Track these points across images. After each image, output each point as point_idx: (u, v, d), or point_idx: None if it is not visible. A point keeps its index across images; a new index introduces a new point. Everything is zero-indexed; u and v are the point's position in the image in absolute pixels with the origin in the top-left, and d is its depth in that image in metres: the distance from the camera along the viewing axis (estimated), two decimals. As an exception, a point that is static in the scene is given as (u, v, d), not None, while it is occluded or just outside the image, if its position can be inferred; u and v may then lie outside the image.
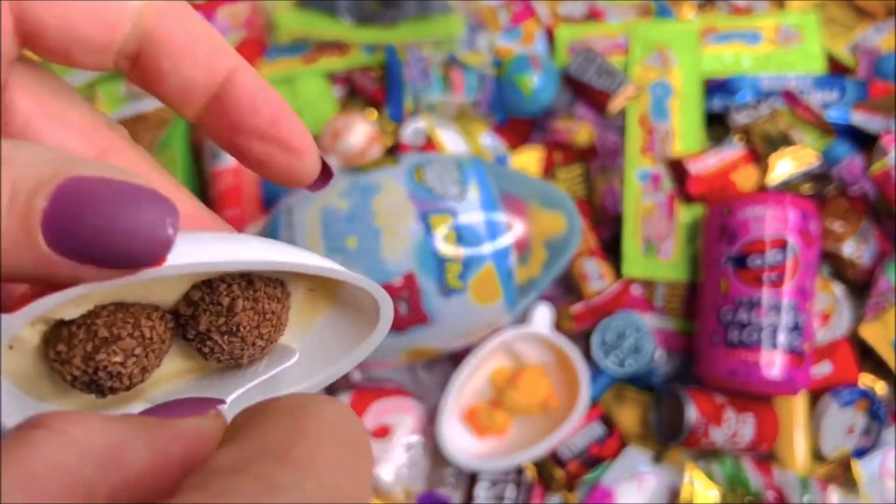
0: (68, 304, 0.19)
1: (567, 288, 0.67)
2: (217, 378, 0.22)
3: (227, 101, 0.19)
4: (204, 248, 0.18)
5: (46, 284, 0.15)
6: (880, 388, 0.63)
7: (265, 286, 0.20)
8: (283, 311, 0.21)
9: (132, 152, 0.20)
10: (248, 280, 0.20)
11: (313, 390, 0.21)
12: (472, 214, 0.55)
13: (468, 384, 0.63)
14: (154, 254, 0.15)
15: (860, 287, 0.65)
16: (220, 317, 0.20)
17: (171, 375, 0.21)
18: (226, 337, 0.20)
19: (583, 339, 0.64)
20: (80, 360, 0.18)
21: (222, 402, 0.19)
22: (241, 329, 0.20)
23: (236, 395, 0.21)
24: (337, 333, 0.22)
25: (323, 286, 0.22)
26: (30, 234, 0.14)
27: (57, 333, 0.19)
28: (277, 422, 0.14)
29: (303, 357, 0.22)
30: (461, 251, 0.55)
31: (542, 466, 0.62)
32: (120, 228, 0.14)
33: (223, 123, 0.19)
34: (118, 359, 0.18)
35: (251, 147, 0.19)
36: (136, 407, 0.21)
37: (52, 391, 0.20)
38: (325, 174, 0.21)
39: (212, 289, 0.20)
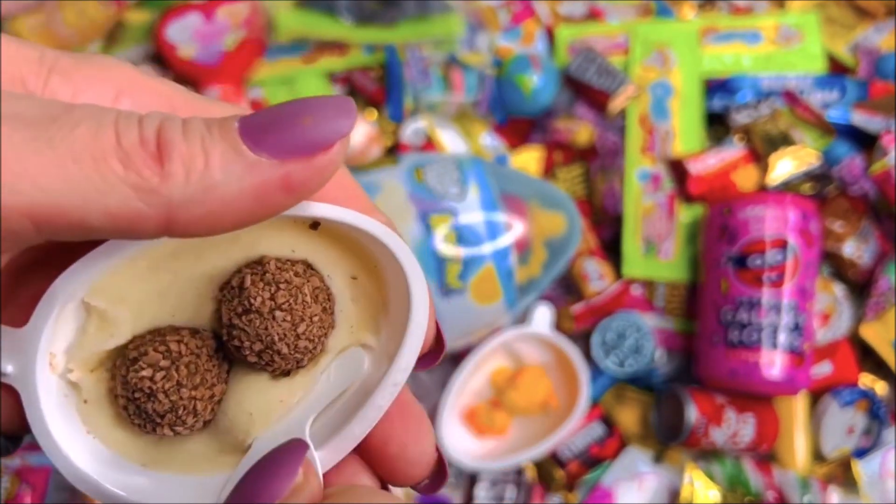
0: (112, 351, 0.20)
1: (567, 288, 0.67)
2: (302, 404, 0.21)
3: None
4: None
5: (262, 197, 0.17)
6: (880, 388, 0.63)
7: (276, 261, 0.20)
8: (303, 284, 0.20)
9: None
10: (257, 262, 0.20)
11: (399, 387, 0.20)
12: (472, 214, 0.55)
13: (468, 384, 0.63)
14: (339, 131, 0.17)
15: (860, 287, 0.65)
16: (234, 300, 0.20)
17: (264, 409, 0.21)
18: (243, 317, 0.19)
19: (583, 339, 0.64)
20: (122, 387, 0.19)
21: (306, 445, 0.19)
22: (254, 302, 0.19)
23: (317, 415, 0.21)
24: (399, 325, 0.21)
25: (367, 272, 0.21)
26: (234, 145, 0.16)
27: (111, 375, 0.20)
28: None
29: (381, 355, 0.21)
30: (461, 251, 0.55)
31: (542, 466, 0.62)
32: (305, 118, 0.17)
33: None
34: (146, 373, 0.19)
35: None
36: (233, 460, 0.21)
37: (150, 456, 0.20)
38: (437, 480, 0.22)
39: (227, 282, 0.20)
